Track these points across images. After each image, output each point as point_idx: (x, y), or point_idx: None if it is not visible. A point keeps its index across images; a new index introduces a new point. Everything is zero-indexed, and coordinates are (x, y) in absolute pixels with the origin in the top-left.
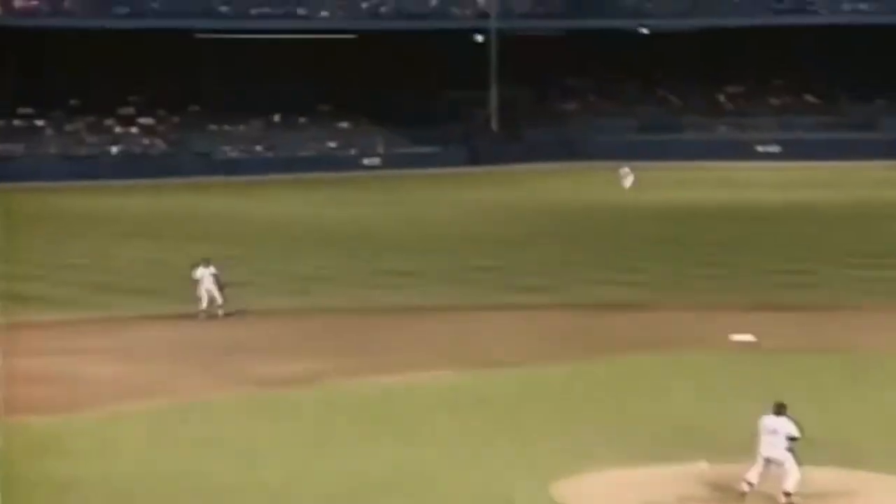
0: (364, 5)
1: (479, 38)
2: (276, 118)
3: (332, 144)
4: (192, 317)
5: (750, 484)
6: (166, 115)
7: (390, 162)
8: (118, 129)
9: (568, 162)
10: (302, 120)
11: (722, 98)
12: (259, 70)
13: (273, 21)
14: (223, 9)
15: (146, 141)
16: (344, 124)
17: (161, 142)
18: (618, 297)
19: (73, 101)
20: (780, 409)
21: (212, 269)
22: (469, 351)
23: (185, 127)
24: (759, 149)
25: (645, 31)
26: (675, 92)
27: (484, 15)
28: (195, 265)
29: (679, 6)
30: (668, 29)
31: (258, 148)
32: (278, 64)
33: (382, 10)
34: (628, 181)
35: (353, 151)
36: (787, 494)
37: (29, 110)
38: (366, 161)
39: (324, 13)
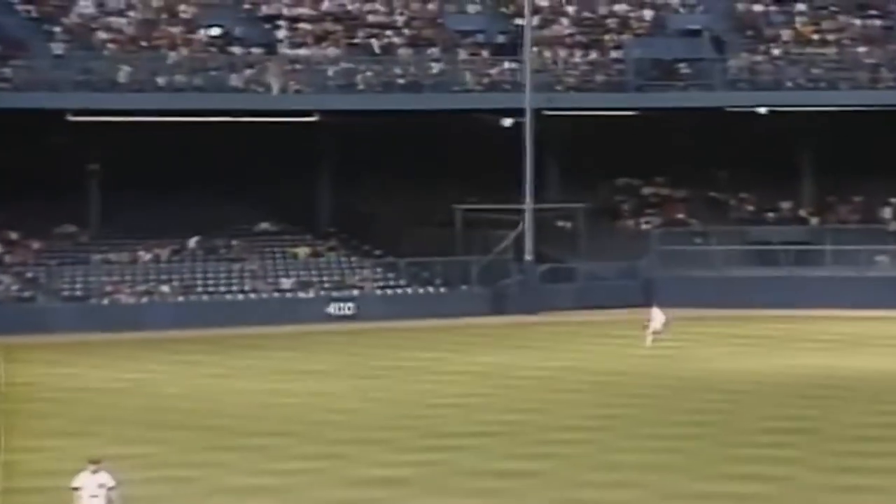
0: (330, 72)
1: (507, 121)
2: (193, 243)
3: (283, 283)
4: None
5: None
6: (22, 238)
7: (371, 310)
8: None
9: (643, 309)
10: (234, 244)
11: (887, 214)
12: (168, 170)
13: (191, 97)
14: (118, 76)
15: None
16: (299, 251)
17: (12, 280)
18: None
19: None
20: None
21: (101, 478)
22: None
23: (50, 256)
24: None
25: (762, 110)
26: (812, 202)
27: (512, 86)
28: (77, 471)
29: (817, 71)
30: (802, 106)
31: (165, 289)
32: (198, 160)
33: (357, 79)
34: (651, 331)
35: (313, 293)
36: None
37: None
38: (333, 308)
39: (271, 84)
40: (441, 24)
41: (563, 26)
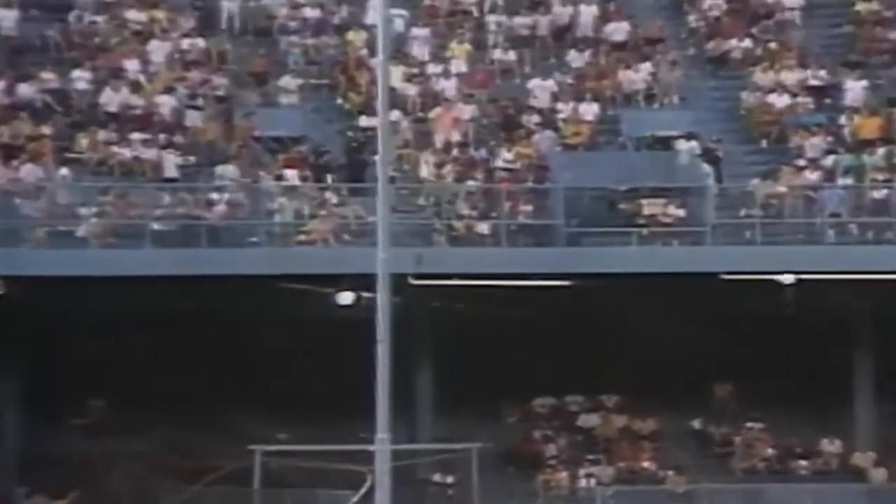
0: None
1: (346, 297)
2: None
3: None
4: None
5: None
6: None
7: None
8: None
9: None
10: None
11: None
12: None
13: None
14: None
15: None
16: None
17: None
18: None
19: None
20: None
21: None
22: None
23: None
24: None
25: (788, 278)
26: (876, 442)
27: (354, 234)
28: None
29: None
30: (863, 273)
31: None
32: None
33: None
34: None
35: None
36: None
37: None
38: None
39: None
40: (230, 122)
41: (439, 131)
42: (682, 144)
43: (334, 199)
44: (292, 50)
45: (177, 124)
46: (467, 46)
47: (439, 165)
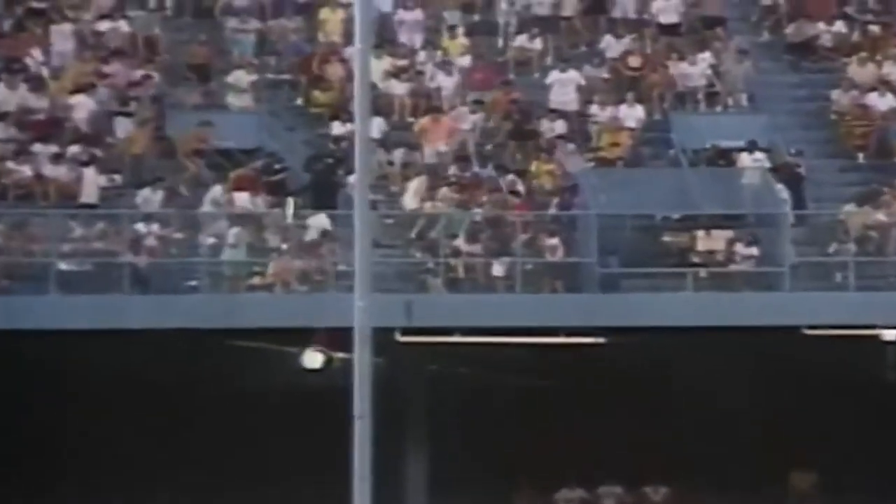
0: None
1: (314, 359)
2: None
3: None
4: None
5: None
6: None
7: None
8: None
9: None
10: None
11: None
12: None
13: None
14: None
15: None
16: None
17: None
18: None
19: None
20: None
21: None
22: None
23: None
24: None
25: (891, 334)
26: None
27: (326, 277)
28: None
29: None
30: None
31: None
32: None
33: None
34: None
35: None
36: None
37: None
38: None
39: None
40: (162, 131)
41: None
42: (749, 160)
43: (314, 231)
44: (242, 35)
45: (94, 134)
46: (462, 40)
47: (434, 187)
